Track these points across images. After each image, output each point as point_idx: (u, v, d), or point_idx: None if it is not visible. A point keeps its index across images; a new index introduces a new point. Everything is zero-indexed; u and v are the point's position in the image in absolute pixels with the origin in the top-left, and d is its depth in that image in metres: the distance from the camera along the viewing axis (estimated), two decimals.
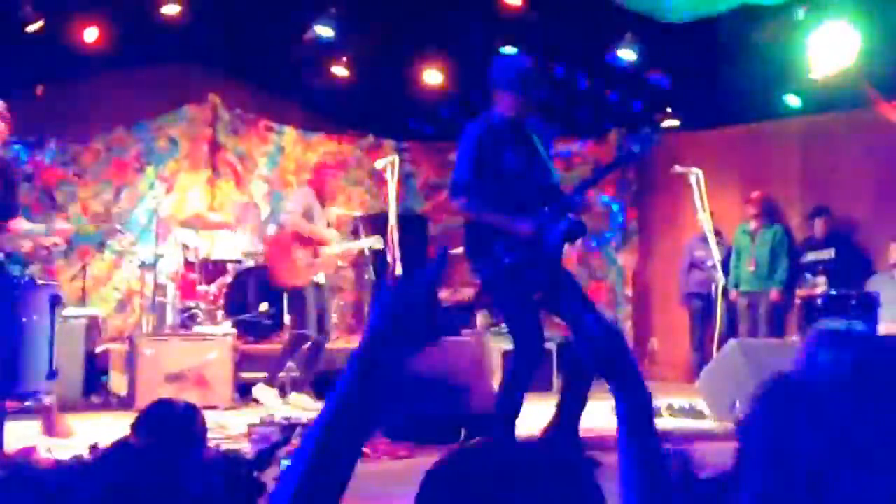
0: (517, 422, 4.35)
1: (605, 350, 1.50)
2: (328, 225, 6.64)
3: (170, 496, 2.20)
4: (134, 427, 2.42)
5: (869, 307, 6.57)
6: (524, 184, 4.26)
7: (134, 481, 2.17)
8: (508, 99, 4.30)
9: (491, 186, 4.22)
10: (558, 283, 4.34)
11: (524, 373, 4.35)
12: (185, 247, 7.31)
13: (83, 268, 7.54)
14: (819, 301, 6.97)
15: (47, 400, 4.86)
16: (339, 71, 8.48)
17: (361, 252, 6.91)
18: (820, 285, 7.20)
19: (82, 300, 7.48)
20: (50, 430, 4.85)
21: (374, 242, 6.66)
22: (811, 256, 7.65)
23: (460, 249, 8.21)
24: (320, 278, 6.54)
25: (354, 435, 1.16)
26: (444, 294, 9.16)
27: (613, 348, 1.48)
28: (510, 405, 4.34)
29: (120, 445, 2.32)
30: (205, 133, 8.55)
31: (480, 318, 8.73)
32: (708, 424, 5.61)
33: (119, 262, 8.09)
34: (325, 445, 1.13)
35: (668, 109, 8.60)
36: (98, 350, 6.84)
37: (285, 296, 6.80)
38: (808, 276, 7.41)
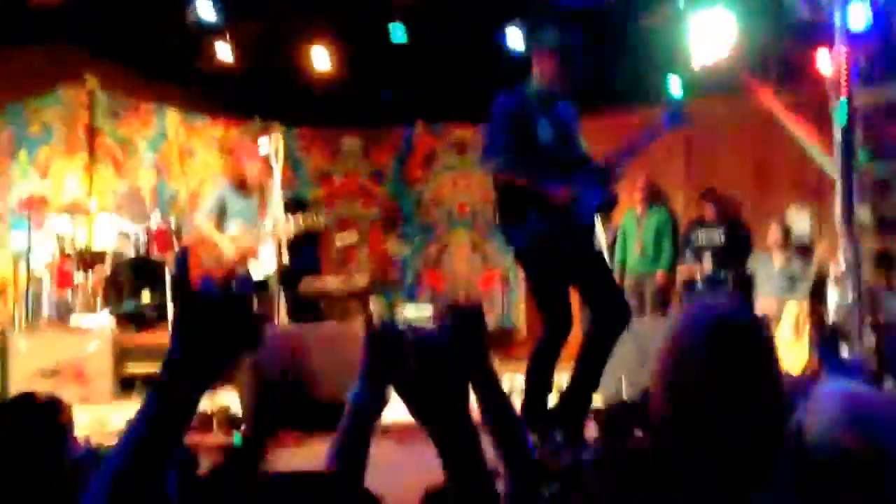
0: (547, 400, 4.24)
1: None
2: (254, 212, 6.19)
3: (33, 493, 2.07)
4: None
5: (745, 286, 6.91)
6: (555, 154, 4.13)
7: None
8: (549, 64, 4.15)
9: (523, 155, 4.09)
10: (589, 257, 4.25)
11: (552, 350, 4.23)
12: (61, 236, 6.98)
13: None
14: (699, 282, 7.23)
15: None
16: (224, 53, 8.23)
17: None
18: (706, 265, 7.44)
19: None
20: None
21: (315, 220, 6.38)
22: (701, 237, 7.90)
23: (354, 238, 8.13)
24: (257, 273, 6.25)
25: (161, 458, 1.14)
26: (337, 281, 9.07)
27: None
28: (541, 384, 4.22)
29: None
30: (81, 117, 8.18)
31: (374, 305, 8.68)
32: (595, 403, 5.71)
33: None
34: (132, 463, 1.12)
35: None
36: None
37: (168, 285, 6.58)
38: (689, 255, 7.64)
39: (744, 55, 7.06)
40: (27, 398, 2.33)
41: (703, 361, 1.55)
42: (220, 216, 6.06)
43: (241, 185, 6.14)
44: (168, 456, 1.15)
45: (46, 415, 2.24)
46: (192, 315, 1.15)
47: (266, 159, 6.05)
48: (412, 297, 9.31)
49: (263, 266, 6.22)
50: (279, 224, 6.11)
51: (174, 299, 6.11)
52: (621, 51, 7.39)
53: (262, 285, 6.22)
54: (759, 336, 1.64)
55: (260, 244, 6.11)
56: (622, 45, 7.33)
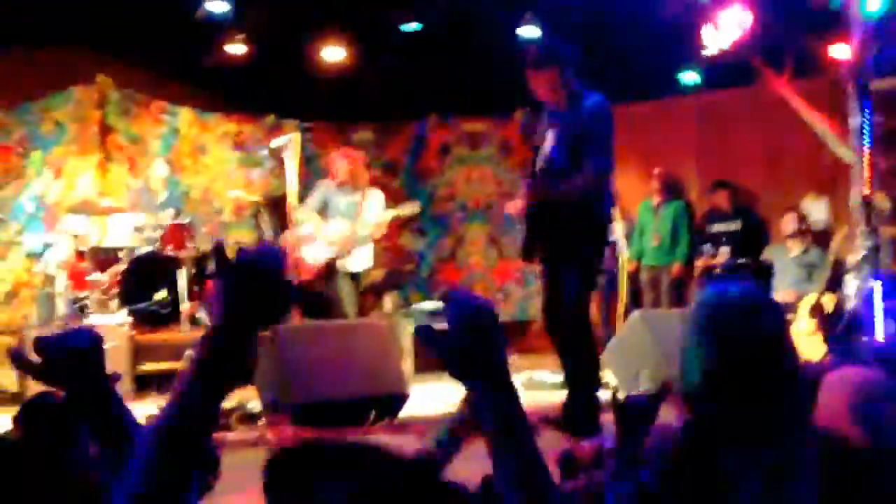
0: None
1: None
2: (357, 209, 6.48)
3: (54, 491, 2.06)
4: (14, 421, 2.28)
5: (764, 275, 6.84)
6: (539, 165, 4.54)
7: (13, 477, 2.02)
8: (536, 82, 4.47)
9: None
10: (557, 249, 4.51)
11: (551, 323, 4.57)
12: (75, 235, 6.98)
13: None
14: (717, 270, 7.19)
15: None
16: (236, 48, 8.21)
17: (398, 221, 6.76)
18: (723, 255, 7.40)
19: None
20: None
21: (412, 208, 6.60)
22: (717, 228, 7.86)
23: None
24: (343, 266, 6.42)
25: (206, 418, 1.13)
26: None
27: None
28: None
29: None
30: (94, 115, 8.16)
31: (389, 301, 8.66)
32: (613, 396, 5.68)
33: (5, 253, 7.68)
34: (179, 427, 1.11)
35: None
36: None
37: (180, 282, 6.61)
38: (706, 247, 7.60)
39: (758, 44, 7.00)
40: (46, 397, 2.32)
41: (720, 336, 1.55)
42: (323, 211, 6.41)
43: (342, 184, 6.43)
44: (211, 422, 1.15)
45: (65, 413, 2.23)
46: (233, 281, 1.16)
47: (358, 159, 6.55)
48: (427, 292, 9.29)
49: (361, 260, 6.53)
50: (377, 218, 6.47)
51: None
52: (634, 41, 7.34)
53: (356, 277, 6.56)
54: (770, 309, 1.63)
55: (356, 241, 6.47)
56: (635, 36, 7.28)
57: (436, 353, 1.26)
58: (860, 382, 1.77)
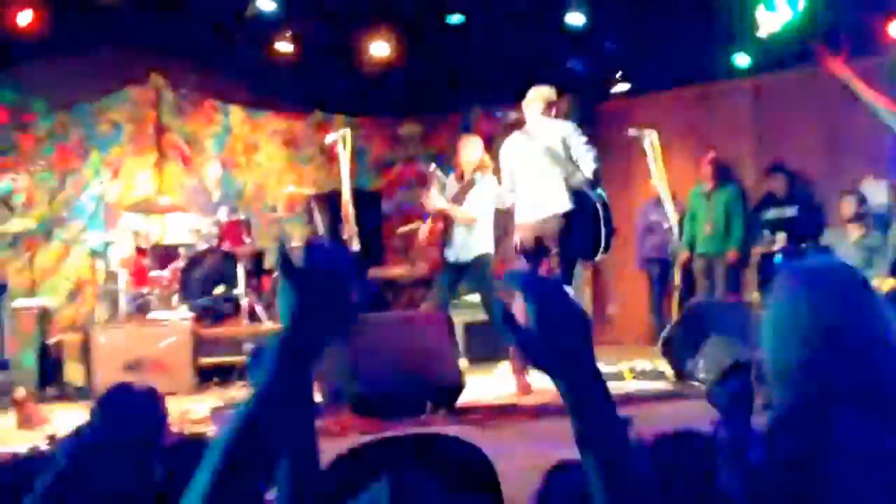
0: None
1: None
2: (459, 195, 6.34)
3: (131, 482, 2.12)
4: (92, 414, 2.34)
5: None
6: None
7: (92, 469, 2.08)
8: None
9: None
10: None
11: None
12: (135, 232, 7.14)
13: (31, 258, 7.32)
14: (775, 257, 7.09)
15: (17, 394, 4.95)
16: (284, 46, 8.29)
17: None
18: (780, 241, 7.29)
19: (32, 291, 7.27)
20: (26, 421, 4.84)
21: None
22: (773, 213, 7.72)
23: (417, 225, 8.22)
24: (456, 255, 6.36)
25: (277, 430, 1.04)
26: (401, 269, 9.10)
27: None
28: None
29: (78, 434, 2.23)
30: (149, 115, 8.33)
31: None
32: (669, 385, 5.65)
33: (68, 251, 7.88)
34: (245, 442, 1.01)
35: (619, 73, 8.59)
36: (51, 341, 6.68)
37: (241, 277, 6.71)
38: (766, 233, 7.48)
39: (813, 24, 6.86)
40: (125, 390, 2.38)
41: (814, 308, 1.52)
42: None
43: (460, 175, 6.42)
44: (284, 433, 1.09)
45: (147, 404, 2.28)
46: (301, 287, 1.08)
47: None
48: None
49: (478, 246, 6.43)
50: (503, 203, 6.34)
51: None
52: (686, 22, 7.25)
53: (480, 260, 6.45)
54: (857, 278, 1.60)
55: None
56: (687, 17, 7.19)
57: (517, 343, 1.11)
58: None
